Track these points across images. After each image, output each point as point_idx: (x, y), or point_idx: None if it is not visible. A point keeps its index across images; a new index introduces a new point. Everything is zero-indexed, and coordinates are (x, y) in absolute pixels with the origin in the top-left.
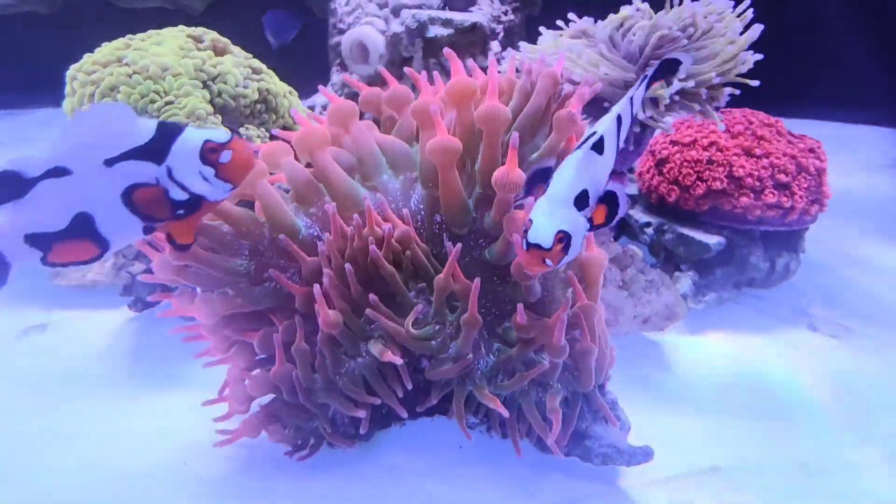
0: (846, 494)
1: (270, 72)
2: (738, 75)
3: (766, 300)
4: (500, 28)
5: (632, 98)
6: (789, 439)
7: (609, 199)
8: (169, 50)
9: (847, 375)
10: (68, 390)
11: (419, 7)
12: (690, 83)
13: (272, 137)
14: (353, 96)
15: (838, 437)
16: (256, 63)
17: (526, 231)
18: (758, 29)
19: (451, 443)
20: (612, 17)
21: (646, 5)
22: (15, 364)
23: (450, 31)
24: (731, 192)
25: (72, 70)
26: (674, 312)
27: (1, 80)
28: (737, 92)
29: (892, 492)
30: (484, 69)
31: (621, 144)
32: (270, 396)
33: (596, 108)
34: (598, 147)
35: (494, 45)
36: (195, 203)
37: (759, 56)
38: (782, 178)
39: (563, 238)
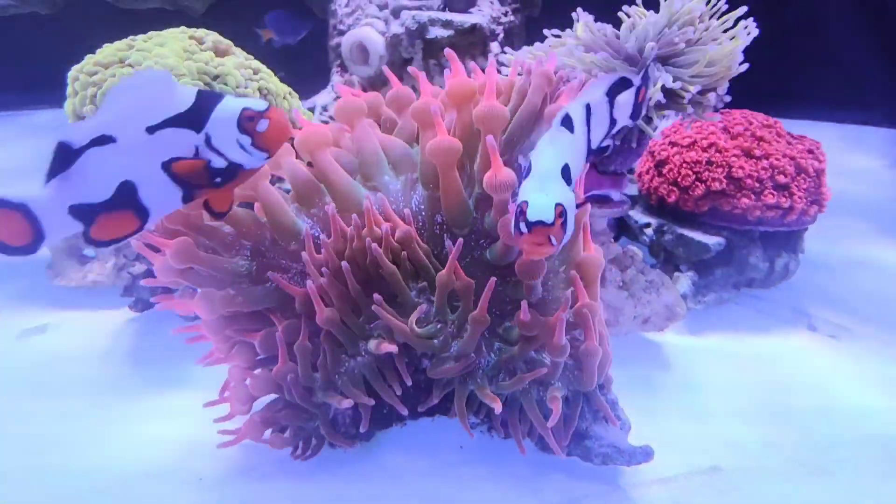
0: (846, 494)
1: (270, 73)
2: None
3: (766, 300)
4: (499, 29)
5: (610, 97)
6: (789, 439)
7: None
8: (172, 51)
9: (846, 375)
10: (69, 391)
11: (419, 8)
12: (677, 84)
13: None
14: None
15: (838, 436)
16: (256, 64)
17: (521, 214)
18: (744, 40)
19: (452, 443)
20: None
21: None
22: (15, 365)
23: (450, 32)
24: (731, 192)
25: (73, 71)
26: (674, 313)
27: (1, 80)
28: (727, 98)
29: (893, 491)
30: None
31: (598, 139)
32: (272, 397)
33: None
34: (567, 125)
35: (494, 47)
36: (233, 171)
37: (744, 66)
38: (781, 179)
39: (563, 213)
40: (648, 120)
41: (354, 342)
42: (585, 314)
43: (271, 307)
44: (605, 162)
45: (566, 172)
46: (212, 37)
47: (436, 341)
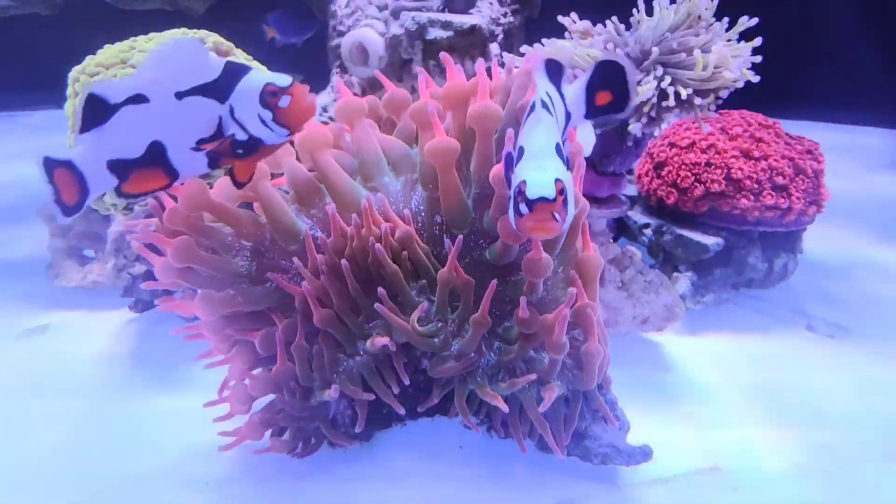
0: (845, 494)
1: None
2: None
3: (764, 301)
4: (499, 30)
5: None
6: (788, 439)
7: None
8: None
9: (845, 375)
10: (69, 392)
11: (419, 9)
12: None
13: None
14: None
15: (836, 436)
16: (257, 65)
17: (520, 194)
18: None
19: (451, 443)
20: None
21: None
22: (15, 365)
23: (449, 33)
24: (730, 193)
25: (74, 72)
26: (672, 313)
27: (1, 81)
28: (717, 103)
29: (891, 491)
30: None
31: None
32: (272, 396)
33: None
34: (545, 105)
35: (494, 48)
36: (254, 145)
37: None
38: (780, 180)
39: (563, 189)
40: (653, 120)
41: (353, 342)
42: (588, 314)
43: (271, 307)
44: (604, 163)
45: (559, 151)
46: (213, 38)
47: (436, 340)
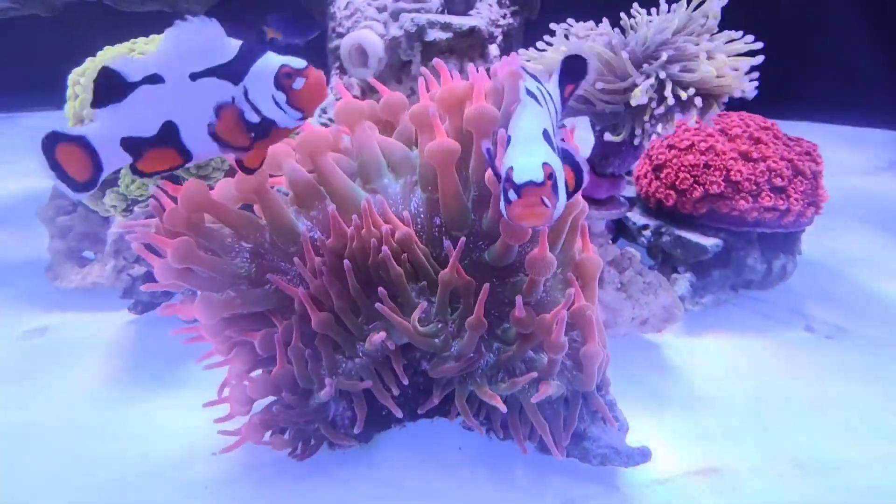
0: (843, 494)
1: None
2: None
3: (763, 302)
4: (498, 32)
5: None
6: (786, 439)
7: (569, 159)
8: None
9: (843, 375)
10: (69, 393)
11: (418, 11)
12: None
13: None
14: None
15: (835, 436)
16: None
17: (508, 181)
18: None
19: (451, 444)
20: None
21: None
22: (15, 367)
23: (448, 34)
24: (729, 195)
25: (74, 74)
26: (671, 314)
27: (1, 82)
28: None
29: (890, 491)
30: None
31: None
32: (272, 397)
33: (590, 108)
34: (532, 96)
35: (493, 49)
36: (266, 127)
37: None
38: (778, 181)
39: (552, 174)
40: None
41: (352, 344)
42: (588, 316)
43: (271, 309)
44: (603, 164)
45: (547, 138)
46: None
47: (437, 340)
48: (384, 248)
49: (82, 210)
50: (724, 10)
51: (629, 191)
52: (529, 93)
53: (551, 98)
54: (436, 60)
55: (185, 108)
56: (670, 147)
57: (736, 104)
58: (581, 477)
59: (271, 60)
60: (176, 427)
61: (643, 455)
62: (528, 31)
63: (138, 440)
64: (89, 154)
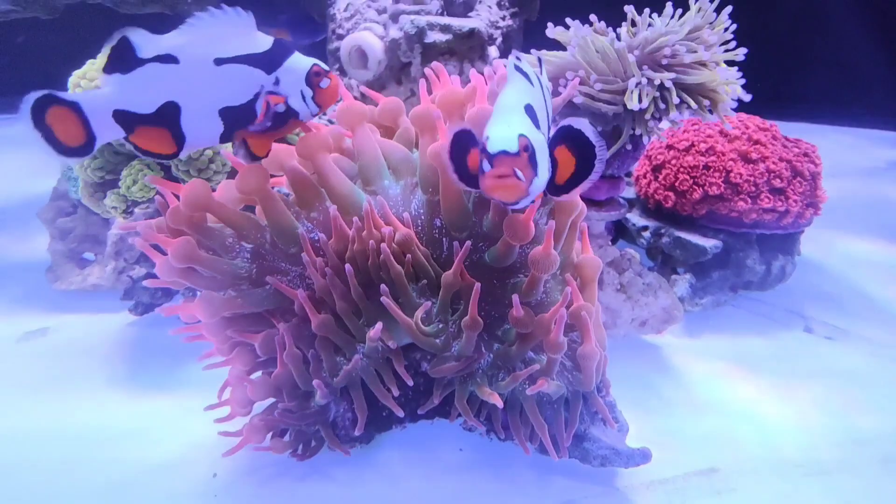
0: (843, 495)
1: None
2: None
3: (762, 302)
4: (497, 33)
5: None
6: (785, 440)
7: (573, 137)
8: None
9: (842, 376)
10: (69, 394)
11: (418, 13)
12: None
13: None
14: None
15: (834, 437)
16: None
17: (483, 151)
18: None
19: (451, 445)
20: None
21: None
22: (16, 368)
23: (448, 36)
24: (728, 196)
25: (74, 77)
26: (671, 315)
27: (1, 84)
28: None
29: (889, 491)
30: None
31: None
32: (272, 399)
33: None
34: (524, 74)
35: (492, 51)
36: (287, 117)
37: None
38: (777, 182)
39: (528, 146)
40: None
41: (352, 346)
42: (584, 317)
43: (271, 310)
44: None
45: (531, 113)
46: None
47: (438, 340)
48: (383, 246)
49: (83, 211)
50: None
51: (629, 192)
52: (522, 71)
53: (542, 85)
54: (435, 64)
55: (198, 91)
56: (669, 148)
57: (735, 106)
58: (581, 478)
59: (303, 58)
60: (176, 428)
61: (643, 456)
62: (527, 33)
63: (139, 441)
64: (82, 121)
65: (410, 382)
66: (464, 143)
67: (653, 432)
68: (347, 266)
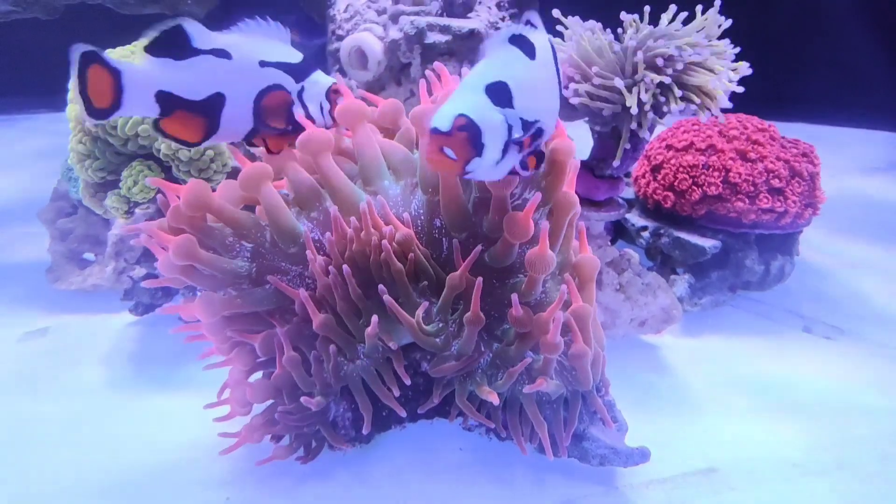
0: (842, 495)
1: None
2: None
3: (761, 303)
4: None
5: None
6: (784, 440)
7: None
8: None
9: (841, 376)
10: (70, 394)
11: (417, 14)
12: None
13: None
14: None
15: (833, 437)
16: None
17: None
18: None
19: (450, 445)
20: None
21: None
22: (16, 368)
23: (448, 37)
24: (727, 196)
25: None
26: (670, 315)
27: (2, 85)
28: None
29: (889, 492)
30: None
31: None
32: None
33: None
34: (524, 47)
35: None
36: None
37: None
38: (776, 183)
39: (467, 126)
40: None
41: (352, 346)
42: (576, 317)
43: (271, 309)
44: (601, 166)
45: (501, 91)
46: None
47: (438, 340)
48: (384, 243)
49: (83, 212)
50: (722, 12)
51: (628, 192)
52: (522, 42)
53: (553, 57)
54: (436, 64)
55: (243, 87)
56: (668, 148)
57: (733, 106)
58: (580, 477)
59: (325, 76)
60: (176, 428)
61: (642, 455)
62: None
63: (139, 441)
64: (116, 89)
65: (408, 382)
66: None
67: (652, 432)
68: (345, 267)
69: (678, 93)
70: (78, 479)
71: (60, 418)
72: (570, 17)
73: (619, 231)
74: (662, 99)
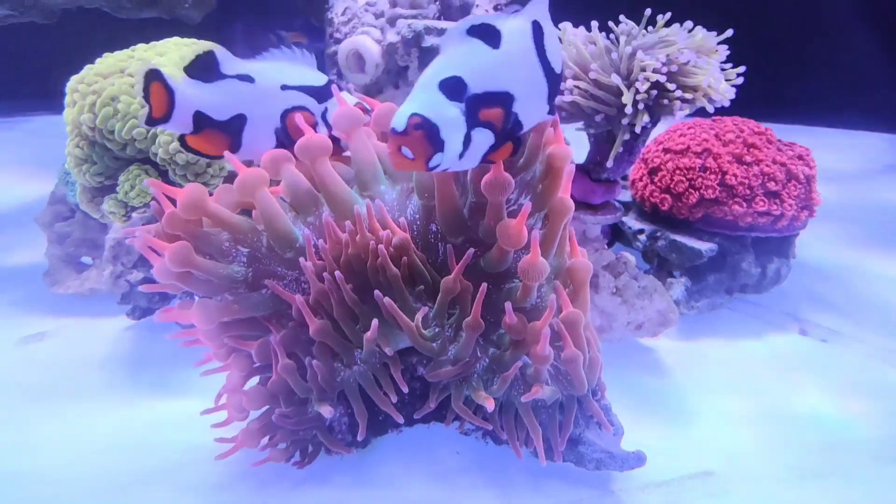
0: (838, 498)
1: None
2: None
3: (758, 305)
4: None
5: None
6: (781, 443)
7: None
8: (171, 60)
9: (838, 379)
10: (67, 398)
11: (415, 17)
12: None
13: None
14: None
15: (829, 440)
16: None
17: None
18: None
19: (447, 449)
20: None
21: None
22: (13, 372)
23: None
24: (724, 200)
25: (72, 82)
26: (667, 318)
27: (0, 88)
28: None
29: (884, 495)
30: None
31: (558, 61)
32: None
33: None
34: (487, 36)
35: None
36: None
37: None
38: (772, 185)
39: (422, 124)
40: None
41: (349, 351)
42: (562, 325)
43: (267, 315)
44: (597, 170)
45: (455, 85)
46: (207, 46)
47: (434, 344)
48: (380, 248)
49: (80, 216)
50: (718, 15)
51: (625, 195)
52: (482, 32)
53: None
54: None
55: (264, 109)
56: (665, 150)
57: (729, 108)
58: (576, 481)
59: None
60: (173, 432)
61: (638, 459)
62: None
63: (136, 445)
64: (169, 105)
65: (405, 389)
66: None
67: (648, 435)
68: (338, 273)
69: (671, 86)
70: (75, 483)
71: (57, 422)
72: (562, 24)
73: (615, 234)
74: (655, 92)
